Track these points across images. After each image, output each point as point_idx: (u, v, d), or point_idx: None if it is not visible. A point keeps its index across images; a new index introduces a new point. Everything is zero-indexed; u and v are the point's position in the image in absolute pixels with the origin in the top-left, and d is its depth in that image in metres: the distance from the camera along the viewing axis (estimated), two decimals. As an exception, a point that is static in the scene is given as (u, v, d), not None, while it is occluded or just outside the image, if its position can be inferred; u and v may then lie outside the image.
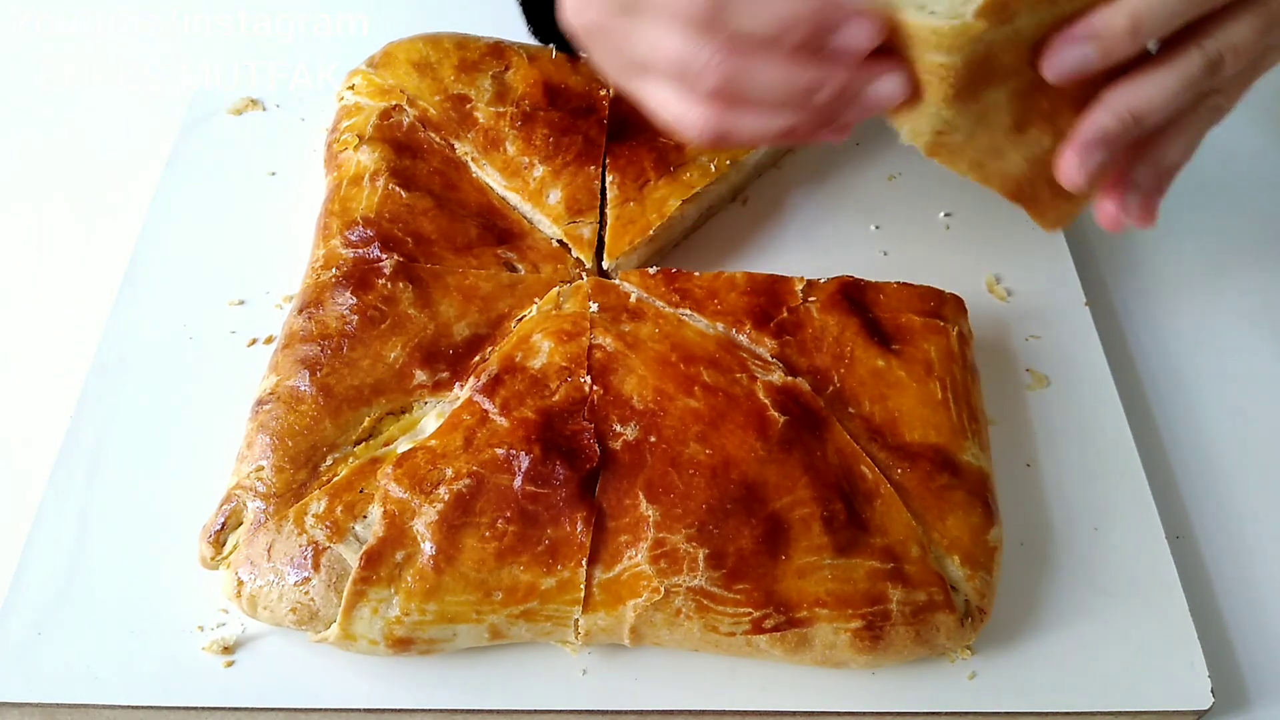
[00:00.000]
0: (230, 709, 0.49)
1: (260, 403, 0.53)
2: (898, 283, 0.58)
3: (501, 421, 0.51)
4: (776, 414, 0.51)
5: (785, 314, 0.56)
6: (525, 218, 0.63)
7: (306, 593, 0.48)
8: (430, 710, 0.49)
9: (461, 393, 0.53)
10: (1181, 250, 0.71)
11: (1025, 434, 0.60)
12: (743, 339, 0.55)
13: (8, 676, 0.49)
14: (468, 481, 0.49)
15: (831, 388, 0.54)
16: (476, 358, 0.55)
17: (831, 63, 0.46)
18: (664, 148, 0.65)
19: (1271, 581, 0.56)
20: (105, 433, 0.57)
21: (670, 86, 0.48)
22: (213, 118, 0.74)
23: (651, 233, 0.62)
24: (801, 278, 0.58)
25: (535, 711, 0.49)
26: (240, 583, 0.48)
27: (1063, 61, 0.46)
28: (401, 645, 0.48)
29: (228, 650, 0.50)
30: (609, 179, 0.64)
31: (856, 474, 0.51)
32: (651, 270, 0.58)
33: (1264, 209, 0.74)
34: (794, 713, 0.50)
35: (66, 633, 0.50)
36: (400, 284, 0.56)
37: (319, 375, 0.53)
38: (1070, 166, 0.50)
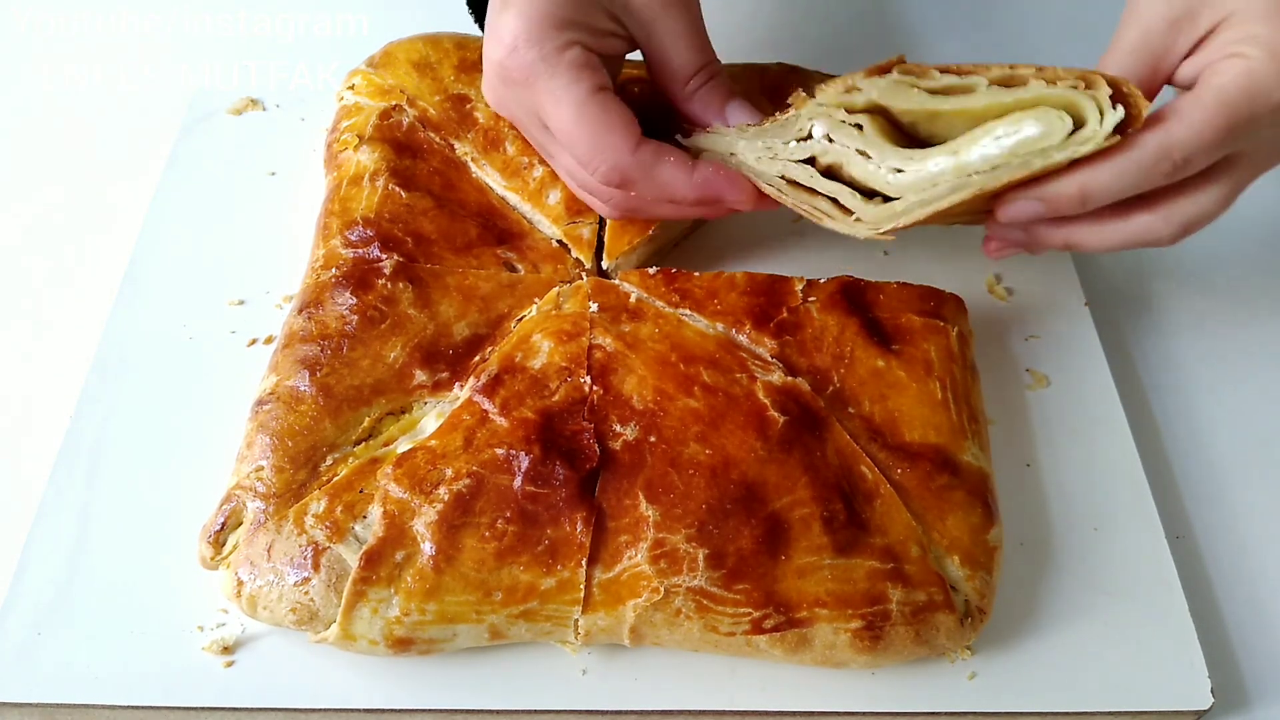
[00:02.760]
0: (230, 709, 0.49)
1: (260, 403, 0.53)
2: (898, 283, 0.58)
3: (501, 421, 0.51)
4: (776, 414, 0.51)
5: (785, 314, 0.56)
6: (525, 218, 0.63)
7: (306, 593, 0.48)
8: (430, 710, 0.49)
9: (461, 393, 0.53)
10: (1181, 250, 0.71)
11: (1025, 434, 0.60)
12: (743, 339, 0.55)
13: (8, 676, 0.49)
14: (468, 481, 0.49)
15: (831, 388, 0.54)
16: (476, 358, 0.55)
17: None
18: (664, 148, 0.65)
19: (1271, 581, 0.56)
20: (105, 433, 0.57)
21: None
22: (213, 118, 0.74)
23: (651, 233, 0.62)
24: (801, 278, 0.58)
25: (535, 711, 0.49)
26: (240, 583, 0.48)
27: (1016, 212, 0.51)
28: (401, 645, 0.48)
29: (228, 650, 0.50)
30: (609, 179, 0.64)
31: (856, 474, 0.51)
32: (651, 270, 0.58)
33: (1264, 208, 0.74)
34: (794, 713, 0.50)
35: (66, 633, 0.50)
36: (400, 284, 0.56)
37: (319, 375, 0.53)
38: (992, 250, 0.57)
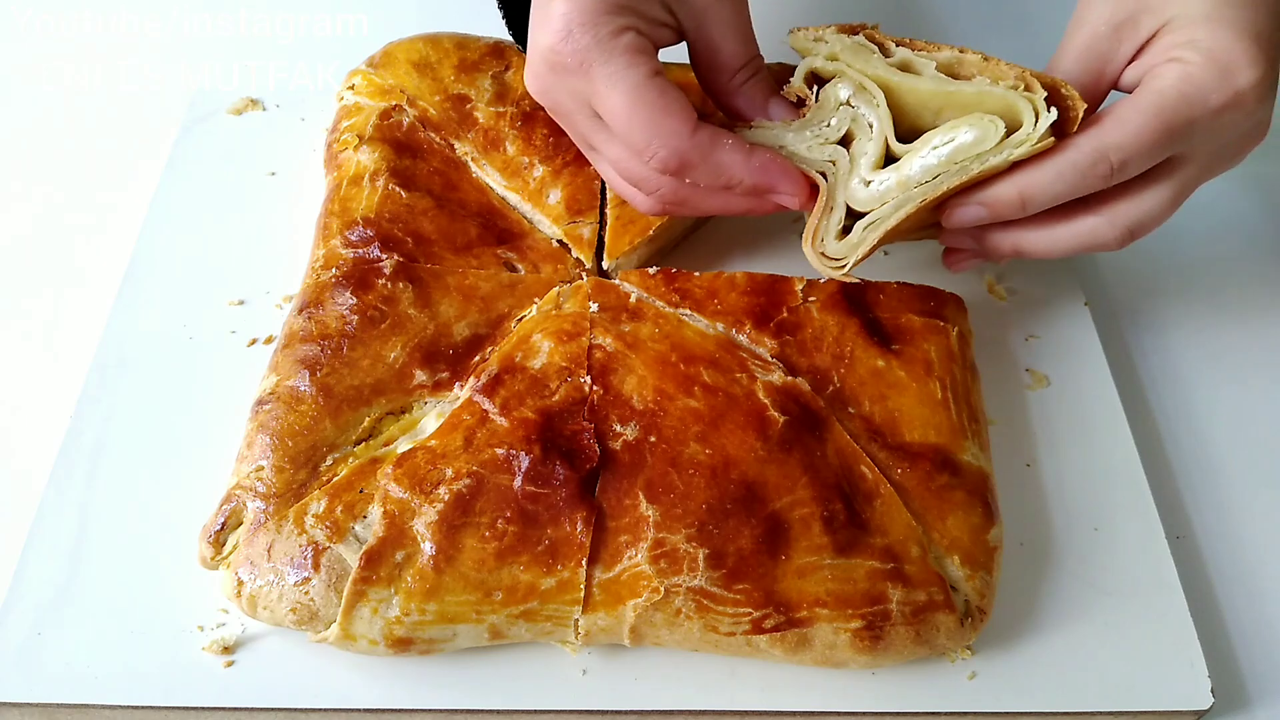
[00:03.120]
0: (230, 709, 0.49)
1: (260, 403, 0.53)
2: (898, 283, 0.58)
3: (501, 421, 0.51)
4: (776, 414, 0.51)
5: (785, 314, 0.56)
6: (525, 218, 0.63)
7: (306, 593, 0.47)
8: (430, 710, 0.49)
9: (461, 393, 0.53)
10: (1181, 250, 0.71)
11: (1025, 434, 0.60)
12: (743, 339, 0.55)
13: (8, 676, 0.49)
14: (468, 481, 0.49)
15: (831, 388, 0.54)
16: (476, 358, 0.55)
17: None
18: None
19: (1271, 581, 0.56)
20: (105, 433, 0.57)
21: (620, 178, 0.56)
22: (213, 118, 0.74)
23: (651, 233, 0.62)
24: (801, 278, 0.58)
25: (535, 711, 0.49)
26: (240, 583, 0.48)
27: (959, 217, 0.53)
28: (401, 645, 0.48)
29: (228, 650, 0.50)
30: (609, 179, 0.64)
31: (856, 474, 0.51)
32: (651, 270, 0.58)
33: (1264, 208, 0.75)
34: (794, 713, 0.50)
35: (66, 633, 0.50)
36: (400, 284, 0.56)
37: (319, 375, 0.53)
38: (952, 263, 0.59)
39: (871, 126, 0.52)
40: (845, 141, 0.54)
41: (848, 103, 0.53)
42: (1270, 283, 0.70)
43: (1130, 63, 0.52)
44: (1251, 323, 0.68)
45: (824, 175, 0.54)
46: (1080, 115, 0.49)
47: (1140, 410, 0.63)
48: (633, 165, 0.54)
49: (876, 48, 0.53)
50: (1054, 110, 0.48)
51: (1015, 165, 0.50)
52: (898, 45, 0.53)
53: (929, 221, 0.55)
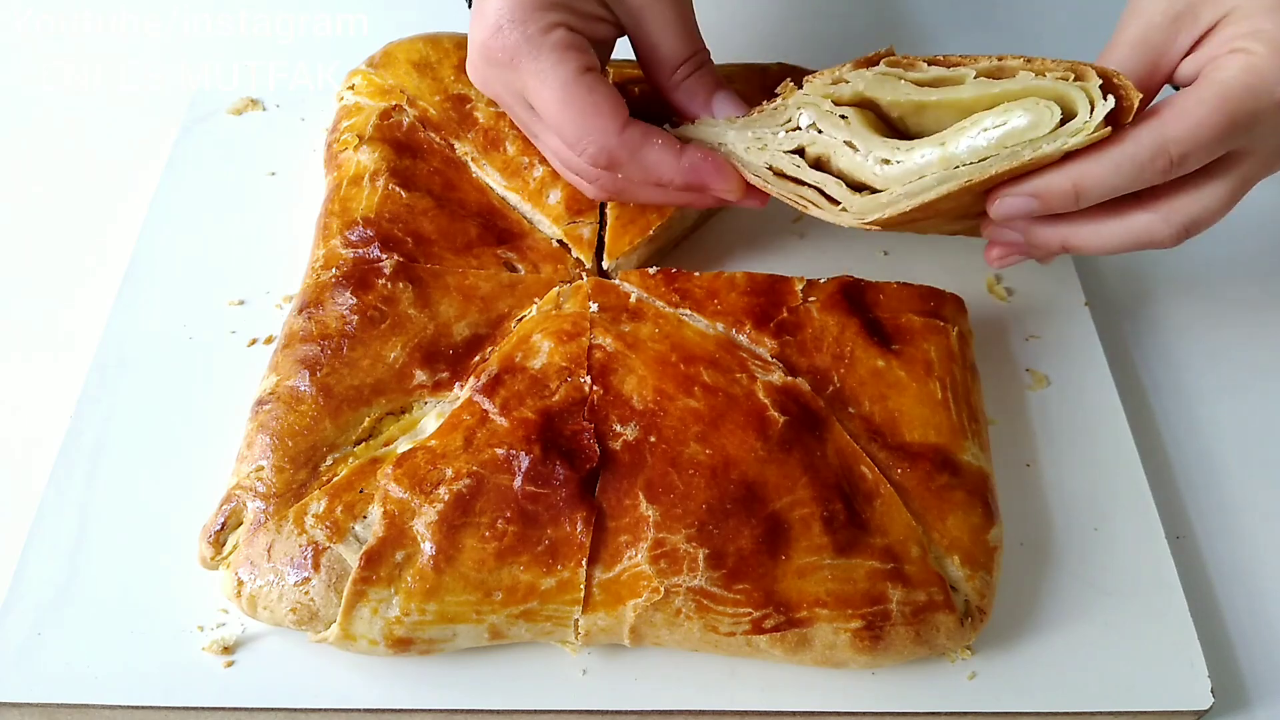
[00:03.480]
0: (230, 709, 0.49)
1: (260, 403, 0.53)
2: (898, 283, 0.58)
3: (501, 421, 0.51)
4: (776, 414, 0.51)
5: (785, 314, 0.56)
6: (525, 218, 0.63)
7: (306, 593, 0.47)
8: (430, 710, 0.49)
9: (461, 393, 0.53)
10: (1182, 251, 0.71)
11: (1025, 434, 0.60)
12: (743, 339, 0.55)
13: (8, 676, 0.49)
14: (468, 481, 0.49)
15: (831, 388, 0.54)
16: (476, 358, 0.55)
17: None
18: (664, 148, 0.65)
19: (1271, 581, 0.56)
20: (105, 433, 0.57)
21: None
22: (213, 118, 0.74)
23: (651, 233, 0.62)
24: (801, 278, 0.58)
25: (535, 711, 0.49)
26: (240, 583, 0.48)
27: (1007, 207, 0.50)
28: (401, 645, 0.48)
29: (228, 650, 0.50)
30: (609, 179, 0.64)
31: (856, 474, 0.51)
32: (651, 270, 0.58)
33: (1264, 207, 0.74)
34: (794, 713, 0.50)
35: (66, 633, 0.50)
36: (400, 284, 0.56)
37: (319, 375, 0.53)
38: (995, 258, 0.57)
39: (852, 145, 0.51)
40: (819, 165, 0.53)
41: (813, 128, 0.52)
42: (1271, 283, 0.70)
43: (1187, 55, 0.51)
44: (1252, 323, 0.68)
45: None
46: (1135, 105, 0.46)
47: (1140, 410, 0.63)
48: (569, 157, 0.55)
49: (900, 69, 0.51)
50: (1111, 98, 0.46)
51: (1068, 156, 0.48)
52: (930, 64, 0.50)
53: (972, 211, 0.54)
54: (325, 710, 0.49)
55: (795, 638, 0.48)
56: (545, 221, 0.62)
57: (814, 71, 0.69)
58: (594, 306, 0.56)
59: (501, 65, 0.54)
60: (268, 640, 0.50)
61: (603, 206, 0.63)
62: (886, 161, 0.50)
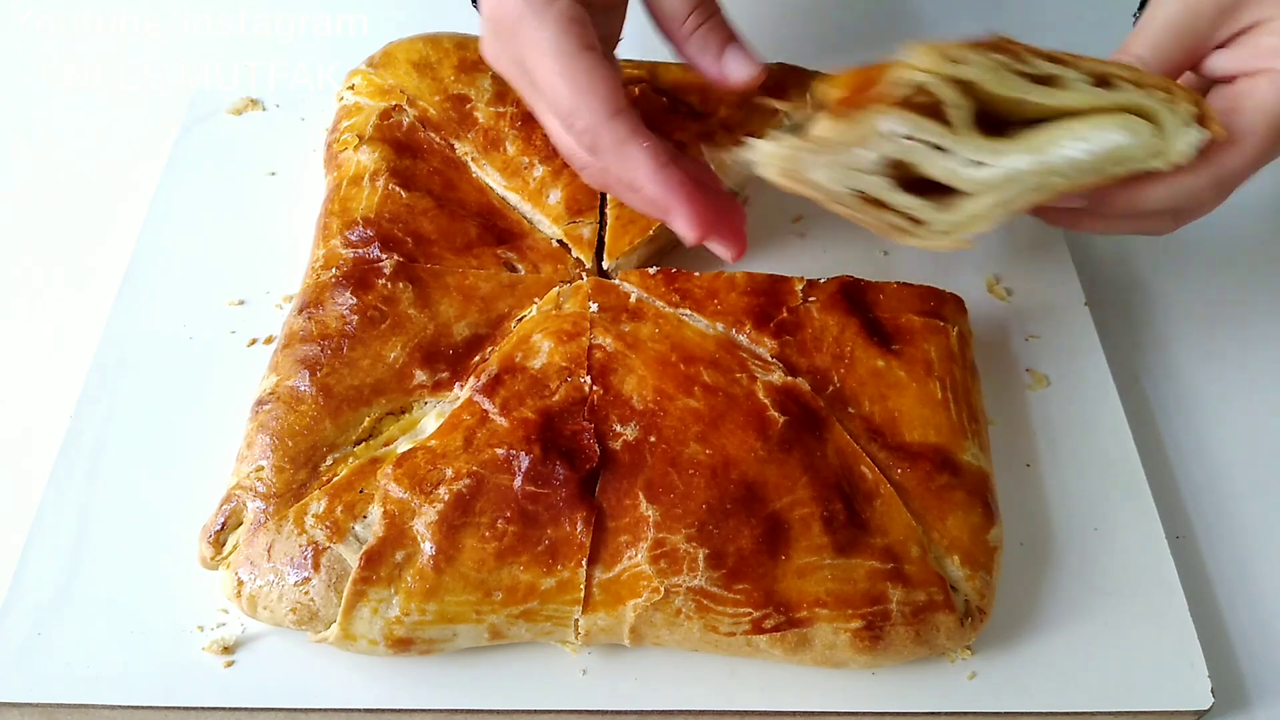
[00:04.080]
0: (230, 709, 0.49)
1: (260, 403, 0.53)
2: (898, 283, 0.58)
3: (501, 421, 0.51)
4: (776, 414, 0.51)
5: (785, 314, 0.56)
6: (525, 218, 0.63)
7: (306, 593, 0.48)
8: (430, 710, 0.49)
9: (461, 393, 0.53)
10: (1182, 251, 0.71)
11: (1025, 434, 0.60)
12: (743, 339, 0.55)
13: (8, 676, 0.49)
14: (468, 481, 0.49)
15: (831, 388, 0.54)
16: (476, 358, 0.55)
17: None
18: (664, 148, 0.65)
19: (1271, 581, 0.56)
20: (105, 433, 0.57)
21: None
22: (213, 118, 0.74)
23: (651, 233, 0.62)
24: (801, 278, 0.58)
25: (535, 711, 0.49)
26: (240, 583, 0.48)
27: (1061, 201, 0.49)
28: (401, 645, 0.48)
29: (228, 650, 0.50)
30: (609, 179, 0.64)
31: (856, 474, 0.51)
32: (651, 270, 0.58)
33: (1264, 207, 0.74)
34: (794, 713, 0.50)
35: (66, 633, 0.50)
36: (400, 284, 0.56)
37: (319, 375, 0.53)
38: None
39: (940, 147, 0.47)
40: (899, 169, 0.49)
41: (896, 135, 0.47)
42: (1270, 283, 0.70)
43: (1219, 47, 0.51)
44: (1252, 323, 0.68)
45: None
46: (1218, 138, 0.47)
47: (1140, 410, 0.63)
48: (564, 137, 0.55)
49: (1014, 63, 0.47)
50: (1201, 131, 0.47)
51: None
52: (1040, 57, 0.47)
53: None
54: (325, 710, 0.49)
55: (795, 638, 0.48)
56: (545, 221, 0.62)
57: (816, 73, 0.69)
58: (594, 306, 0.56)
59: (506, 37, 0.53)
60: (268, 640, 0.50)
61: (602, 206, 0.63)
62: (978, 164, 0.47)
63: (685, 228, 0.52)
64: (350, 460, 0.51)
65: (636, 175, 0.52)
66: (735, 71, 0.56)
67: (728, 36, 0.56)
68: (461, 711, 0.49)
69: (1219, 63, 0.52)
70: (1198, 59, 0.52)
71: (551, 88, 0.52)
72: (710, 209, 0.52)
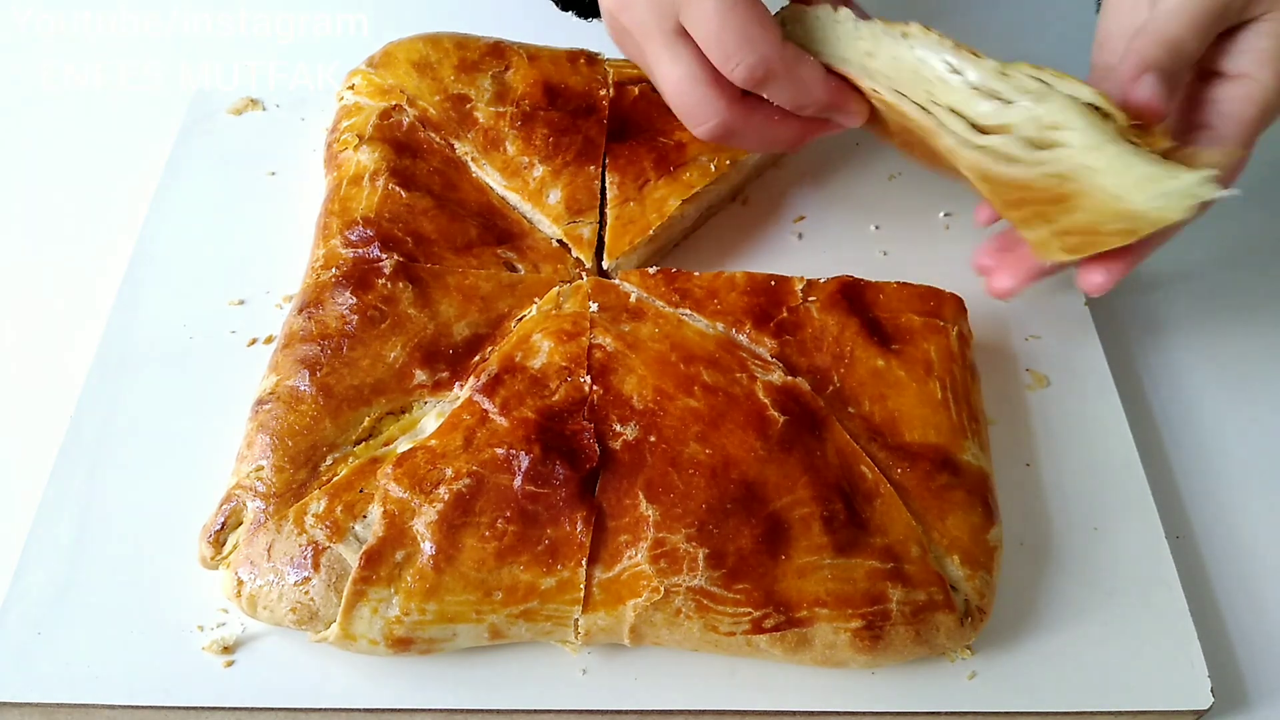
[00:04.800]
0: (230, 709, 0.49)
1: (260, 403, 0.53)
2: (898, 283, 0.58)
3: (501, 421, 0.51)
4: (776, 414, 0.51)
5: (785, 314, 0.56)
6: (525, 218, 0.63)
7: (306, 592, 0.48)
8: (430, 710, 0.49)
9: (461, 393, 0.53)
10: (1182, 251, 0.71)
11: (1025, 434, 0.60)
12: (743, 339, 0.55)
13: (8, 676, 0.49)
14: (468, 481, 0.49)
15: (831, 388, 0.54)
16: (476, 358, 0.55)
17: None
18: (664, 148, 0.65)
19: (1271, 581, 0.56)
20: (105, 432, 0.57)
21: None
22: (213, 118, 0.74)
23: (651, 233, 0.62)
24: (801, 278, 0.58)
25: (535, 711, 0.49)
26: (240, 583, 0.48)
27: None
28: (401, 645, 0.48)
29: (228, 650, 0.50)
30: (609, 179, 0.64)
31: (856, 474, 0.51)
32: (651, 270, 0.58)
33: (1264, 209, 0.74)
34: (794, 713, 0.50)
35: (66, 633, 0.50)
36: (400, 284, 0.56)
37: (319, 375, 0.53)
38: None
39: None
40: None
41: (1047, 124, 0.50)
42: (1270, 283, 0.70)
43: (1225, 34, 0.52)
44: (1251, 323, 0.68)
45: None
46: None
47: (1140, 410, 0.63)
48: (693, 90, 0.55)
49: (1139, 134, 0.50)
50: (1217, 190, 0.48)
51: None
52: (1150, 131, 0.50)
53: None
54: (325, 710, 0.49)
55: (795, 637, 0.48)
56: (545, 221, 0.62)
57: None
58: (594, 306, 0.56)
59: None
60: (268, 640, 0.50)
61: (602, 207, 0.63)
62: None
63: (857, 112, 0.56)
64: (350, 460, 0.51)
65: (814, 89, 0.55)
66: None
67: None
68: (461, 711, 0.49)
69: (1218, 56, 0.52)
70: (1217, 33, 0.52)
71: (716, 29, 0.52)
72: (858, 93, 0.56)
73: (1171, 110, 0.51)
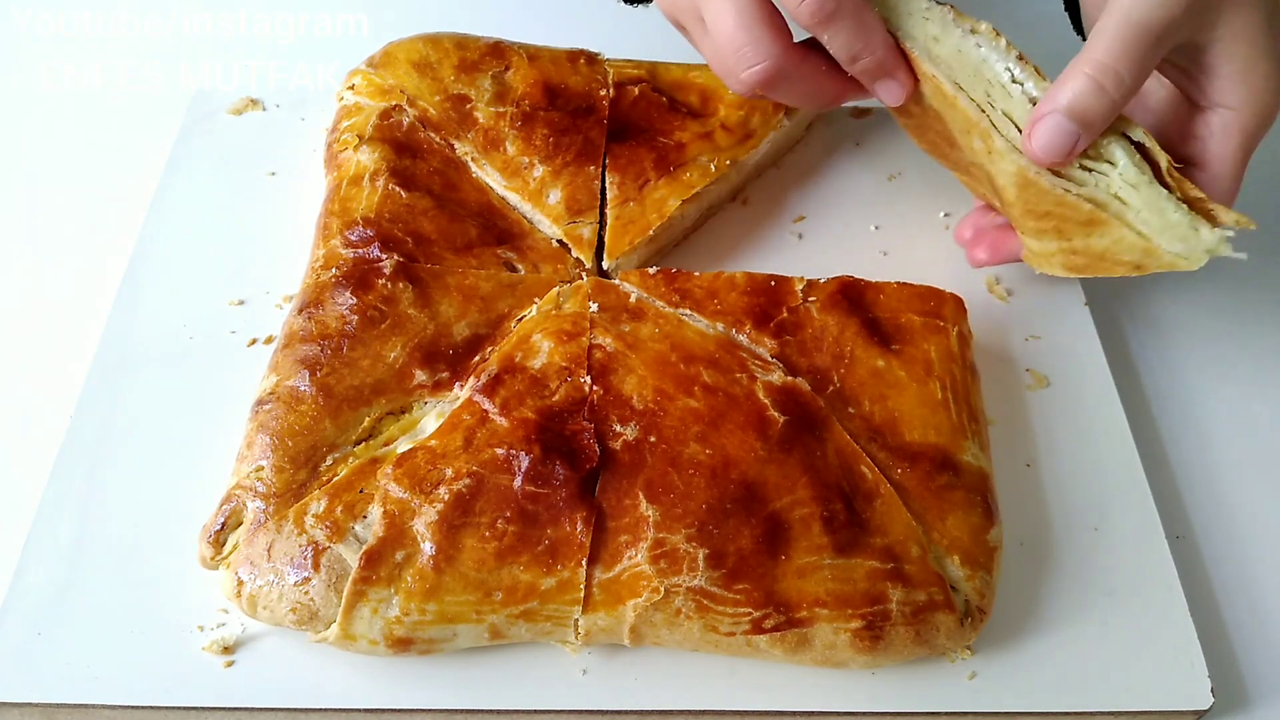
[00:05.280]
0: (230, 709, 0.49)
1: (260, 403, 0.53)
2: (898, 283, 0.58)
3: (501, 421, 0.51)
4: (776, 414, 0.51)
5: (785, 314, 0.56)
6: (525, 218, 0.63)
7: (306, 593, 0.48)
8: (430, 710, 0.49)
9: (461, 393, 0.53)
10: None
11: (1025, 434, 0.60)
12: (743, 339, 0.55)
13: (8, 676, 0.49)
14: (468, 481, 0.49)
15: (831, 388, 0.54)
16: (476, 358, 0.55)
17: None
18: (664, 148, 0.65)
19: (1271, 581, 0.56)
20: (105, 432, 0.57)
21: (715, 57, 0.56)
22: (213, 118, 0.74)
23: (651, 233, 0.62)
24: (801, 278, 0.58)
25: (535, 711, 0.49)
26: (240, 583, 0.48)
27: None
28: (401, 645, 0.48)
29: (228, 650, 0.50)
30: (609, 179, 0.64)
31: (856, 474, 0.51)
32: (651, 270, 0.58)
33: (1265, 207, 0.74)
34: (794, 713, 0.50)
35: (66, 633, 0.50)
36: (400, 284, 0.56)
37: (319, 375, 0.53)
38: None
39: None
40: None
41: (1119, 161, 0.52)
42: (1270, 283, 0.70)
43: (1191, 49, 0.53)
44: (1251, 322, 0.68)
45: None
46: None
47: (1140, 410, 0.63)
48: (750, 28, 0.53)
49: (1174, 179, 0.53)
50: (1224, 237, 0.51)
51: None
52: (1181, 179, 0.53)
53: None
54: (325, 710, 0.49)
55: (795, 638, 0.48)
56: (545, 221, 0.62)
57: None
58: (594, 306, 0.56)
59: None
60: (268, 640, 0.50)
61: (602, 207, 0.63)
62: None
63: (904, 84, 0.55)
64: (350, 460, 0.51)
65: (872, 38, 0.53)
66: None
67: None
68: (461, 711, 0.49)
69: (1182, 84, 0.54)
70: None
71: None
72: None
73: (1073, 159, 0.52)
